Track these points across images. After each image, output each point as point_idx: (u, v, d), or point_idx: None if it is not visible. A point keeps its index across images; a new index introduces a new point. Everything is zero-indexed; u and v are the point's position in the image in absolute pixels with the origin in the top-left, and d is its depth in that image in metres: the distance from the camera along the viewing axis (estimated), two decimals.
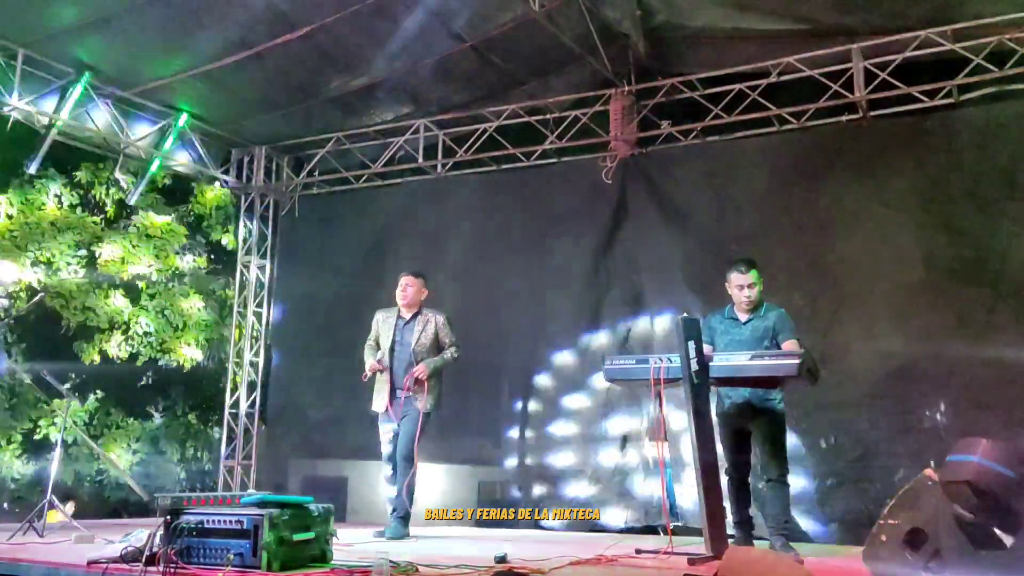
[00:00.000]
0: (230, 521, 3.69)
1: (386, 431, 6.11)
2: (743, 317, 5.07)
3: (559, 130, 7.84)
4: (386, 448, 6.11)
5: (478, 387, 7.87)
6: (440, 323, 6.19)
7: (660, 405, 4.85)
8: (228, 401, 8.87)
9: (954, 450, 3.52)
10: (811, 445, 6.42)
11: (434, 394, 6.05)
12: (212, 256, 9.34)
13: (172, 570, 3.52)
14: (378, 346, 6.22)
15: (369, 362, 6.16)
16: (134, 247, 8.50)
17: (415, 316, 6.19)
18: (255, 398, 8.93)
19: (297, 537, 3.78)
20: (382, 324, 6.25)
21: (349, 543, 5.00)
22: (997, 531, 3.33)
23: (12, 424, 7.47)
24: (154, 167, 8.30)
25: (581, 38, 7.18)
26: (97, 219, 8.31)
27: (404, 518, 5.93)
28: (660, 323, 7.15)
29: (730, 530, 4.96)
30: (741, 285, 5.03)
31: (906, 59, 6.59)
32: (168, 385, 8.86)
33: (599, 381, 7.23)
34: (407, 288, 6.20)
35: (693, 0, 6.93)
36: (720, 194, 7.30)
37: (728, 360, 4.74)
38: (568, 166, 7.99)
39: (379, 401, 6.13)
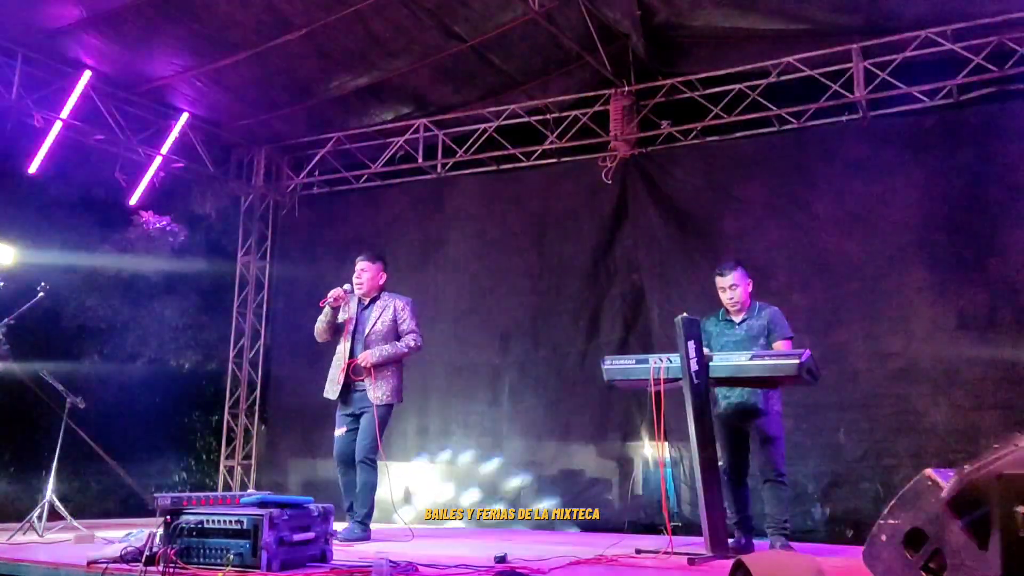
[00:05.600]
0: (230, 521, 3.68)
1: (339, 427, 5.61)
2: (737, 318, 5.10)
3: (559, 130, 7.85)
4: (337, 446, 5.61)
5: (478, 387, 7.88)
6: (399, 307, 5.62)
7: (660, 405, 4.84)
8: (228, 401, 8.87)
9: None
10: (811, 445, 6.42)
11: (388, 384, 5.50)
12: (212, 256, 9.34)
13: (172, 570, 3.51)
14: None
15: (334, 292, 5.55)
16: (133, 247, 8.50)
17: (373, 301, 5.68)
18: (255, 398, 8.93)
19: (297, 537, 3.78)
20: (350, 300, 5.71)
21: (349, 543, 4.99)
22: None
23: (11, 424, 7.46)
24: (154, 167, 8.30)
25: (581, 38, 7.19)
26: (97, 219, 8.31)
27: (363, 522, 5.42)
28: (660, 323, 7.14)
29: (730, 530, 4.96)
30: (723, 288, 5.09)
31: (906, 59, 6.60)
32: (168, 385, 8.86)
33: (599, 381, 7.22)
34: (361, 274, 5.66)
35: (693, 0, 6.94)
36: (720, 194, 7.31)
37: (728, 360, 4.75)
38: (568, 166, 8.00)
39: (330, 389, 5.59)
